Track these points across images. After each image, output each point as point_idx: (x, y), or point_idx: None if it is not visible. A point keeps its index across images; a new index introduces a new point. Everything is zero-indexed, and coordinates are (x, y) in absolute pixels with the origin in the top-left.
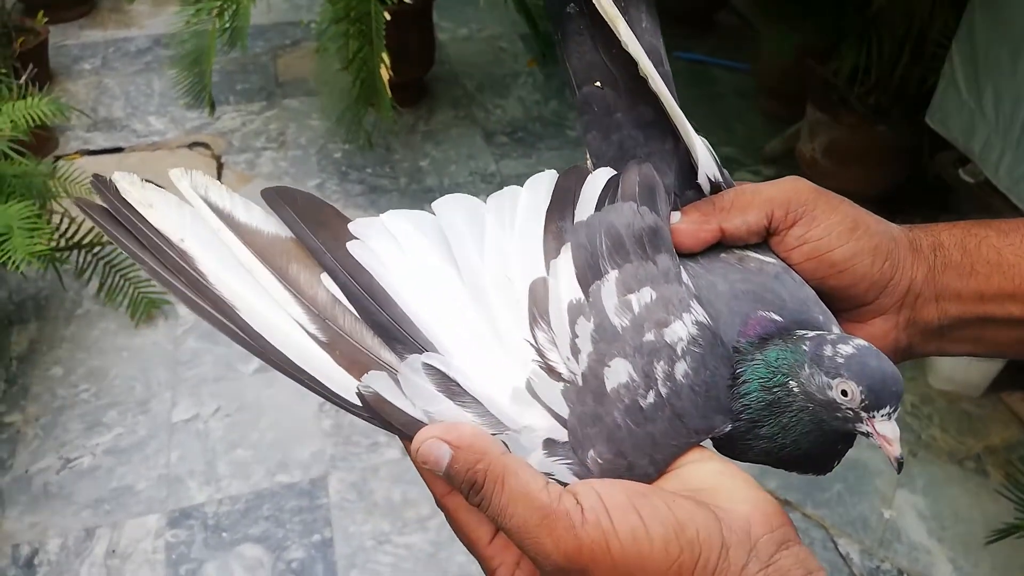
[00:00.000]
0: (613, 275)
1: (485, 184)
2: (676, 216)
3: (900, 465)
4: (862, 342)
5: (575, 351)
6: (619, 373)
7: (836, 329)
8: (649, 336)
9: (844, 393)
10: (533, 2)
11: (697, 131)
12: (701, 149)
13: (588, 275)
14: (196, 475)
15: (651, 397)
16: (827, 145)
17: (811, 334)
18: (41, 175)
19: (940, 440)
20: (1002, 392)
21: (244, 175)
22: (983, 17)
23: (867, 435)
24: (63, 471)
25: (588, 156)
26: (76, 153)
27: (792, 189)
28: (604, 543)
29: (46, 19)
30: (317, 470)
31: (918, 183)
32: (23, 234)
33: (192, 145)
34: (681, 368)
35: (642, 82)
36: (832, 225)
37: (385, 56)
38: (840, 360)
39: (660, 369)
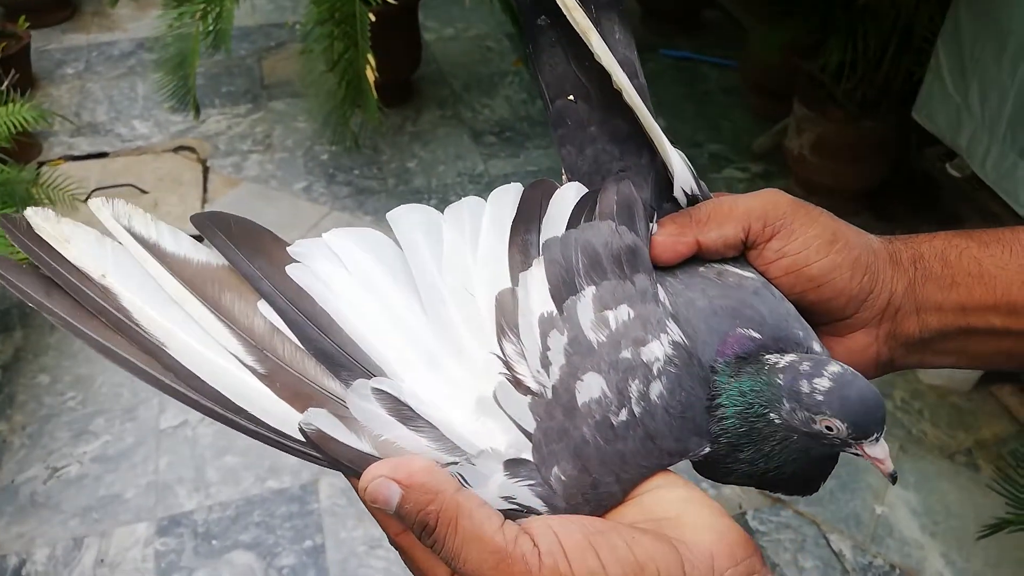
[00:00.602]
0: (590, 291)
1: (473, 184)
2: (652, 227)
3: (894, 479)
4: (836, 369)
5: (545, 364)
6: (592, 388)
7: (816, 345)
8: (625, 353)
9: (829, 428)
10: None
11: (673, 143)
12: (677, 162)
13: (563, 290)
14: (185, 482)
15: (623, 415)
16: (814, 141)
17: (783, 362)
18: (24, 182)
19: (931, 435)
20: (992, 386)
21: (230, 179)
22: (968, 12)
23: (857, 455)
24: (50, 480)
25: (563, 170)
26: (60, 159)
27: (770, 202)
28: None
29: (28, 23)
30: (307, 475)
31: (905, 178)
32: (5, 242)
33: (177, 149)
34: (656, 388)
35: (616, 95)
36: (810, 239)
37: (371, 57)
38: (819, 397)
39: (635, 387)
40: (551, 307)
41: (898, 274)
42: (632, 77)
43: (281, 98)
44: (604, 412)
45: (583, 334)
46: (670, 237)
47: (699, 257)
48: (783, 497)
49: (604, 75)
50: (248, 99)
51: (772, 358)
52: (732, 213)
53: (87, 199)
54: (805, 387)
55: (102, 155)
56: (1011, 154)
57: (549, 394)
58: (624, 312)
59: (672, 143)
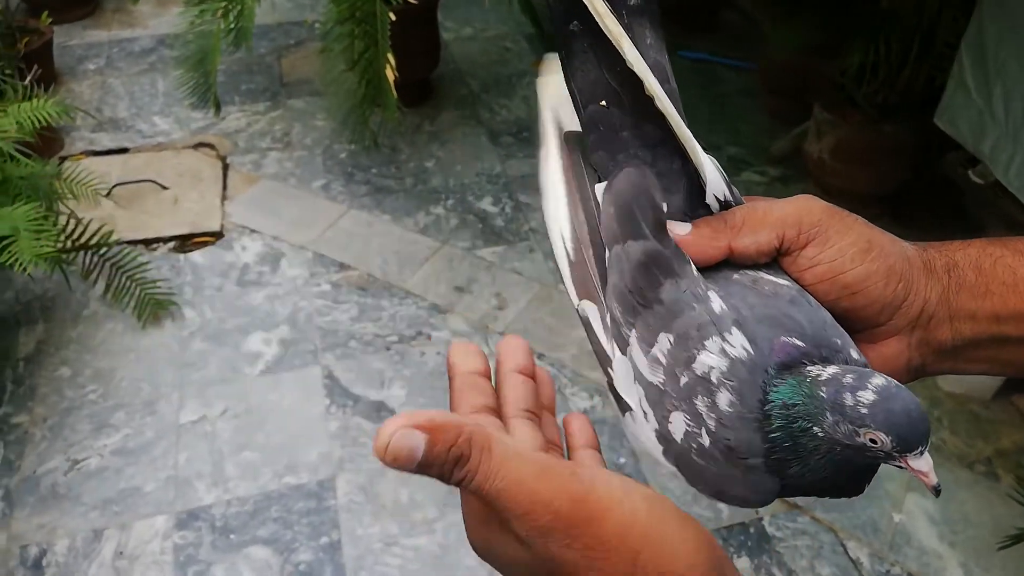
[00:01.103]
0: (633, 337)
1: (491, 185)
2: (687, 227)
3: (938, 491)
4: (881, 381)
5: (648, 418)
6: (678, 425)
7: (854, 353)
8: (684, 378)
9: (873, 441)
10: (537, 2)
11: (706, 149)
12: (709, 167)
13: (622, 345)
14: (204, 477)
15: (705, 437)
16: (834, 145)
17: (825, 375)
18: (47, 176)
19: (950, 443)
20: (1012, 395)
21: (250, 175)
22: (992, 16)
23: (900, 467)
24: (71, 472)
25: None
26: (81, 154)
27: (805, 208)
28: (617, 503)
29: (50, 19)
30: (325, 472)
31: (926, 184)
32: (29, 236)
33: (197, 146)
34: (724, 398)
35: (648, 101)
36: (846, 247)
37: (390, 56)
38: (863, 410)
39: (702, 404)
40: (628, 367)
41: (932, 282)
42: (663, 82)
43: (300, 96)
44: (696, 439)
45: (648, 382)
46: (703, 239)
47: (731, 265)
48: (801, 504)
49: (637, 81)
50: (267, 97)
51: (814, 370)
52: (767, 219)
53: (108, 194)
54: (849, 400)
55: (123, 151)
56: None
57: (664, 446)
58: (664, 342)
59: (704, 150)
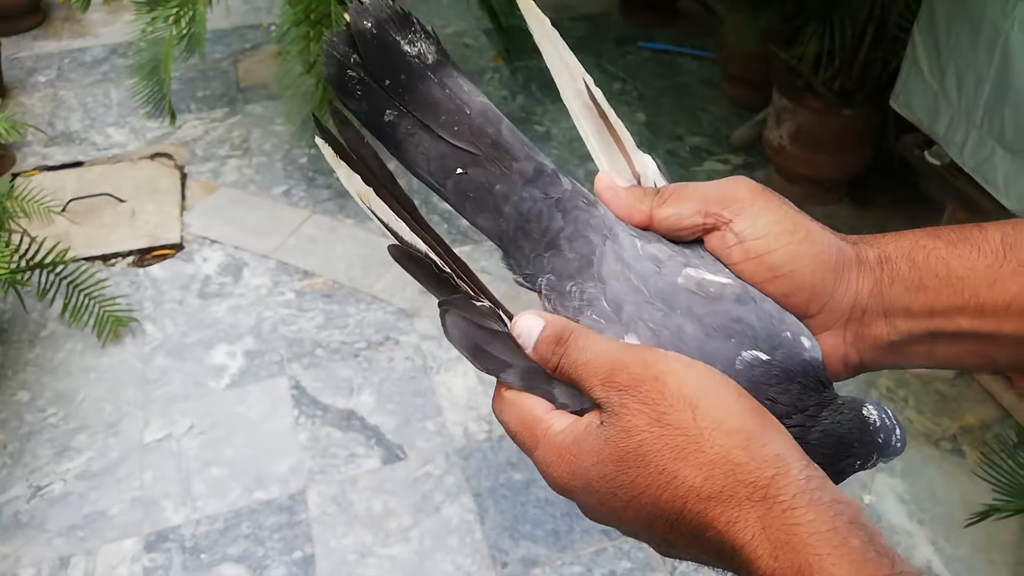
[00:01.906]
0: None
1: None
2: (621, 182)
3: None
4: (897, 422)
5: None
6: None
7: (805, 341)
8: None
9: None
10: None
11: (654, 138)
12: (645, 160)
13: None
14: (171, 496)
15: None
16: (794, 131)
17: (877, 422)
18: None
19: (916, 422)
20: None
21: (209, 184)
22: None
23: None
24: (33, 499)
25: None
26: (34, 170)
27: (731, 186)
28: (680, 367)
29: None
30: (295, 484)
31: (885, 166)
32: None
33: (154, 156)
34: None
35: (508, 138)
36: (770, 224)
37: None
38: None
39: None
40: None
41: (863, 274)
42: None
43: (258, 101)
44: None
45: None
46: (629, 198)
47: (675, 270)
48: None
49: (485, 129)
50: (224, 103)
51: (869, 415)
52: (693, 194)
53: (63, 210)
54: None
55: (77, 164)
56: (989, 140)
57: None
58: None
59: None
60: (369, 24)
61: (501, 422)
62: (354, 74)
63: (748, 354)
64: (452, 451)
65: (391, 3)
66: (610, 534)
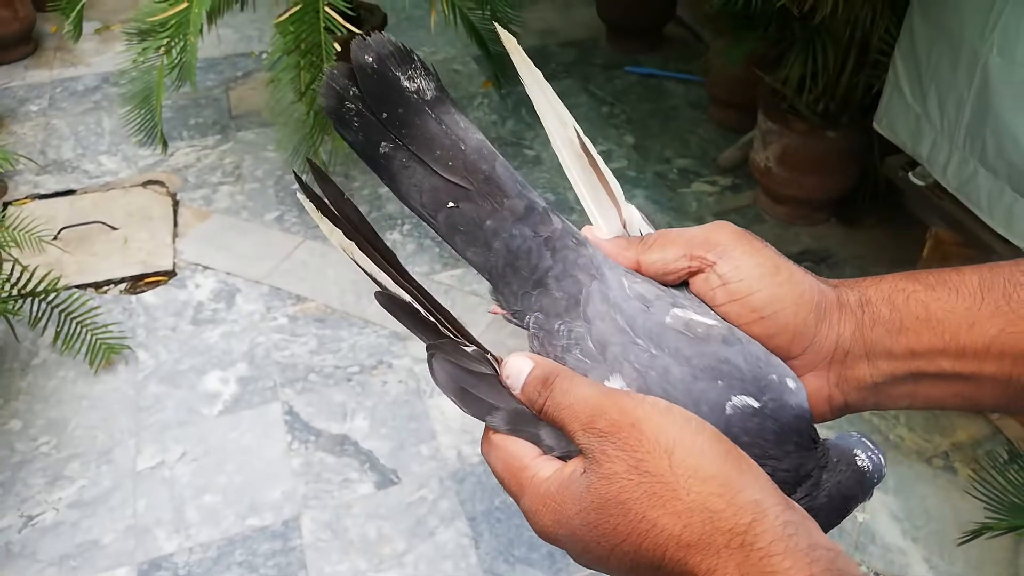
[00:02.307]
0: None
1: None
2: (607, 236)
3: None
4: (882, 462)
5: None
6: None
7: (791, 383)
8: None
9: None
10: (483, 25)
11: (642, 161)
12: (630, 210)
13: None
14: (164, 524)
15: None
16: (780, 153)
17: (867, 464)
18: None
19: (908, 439)
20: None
21: (201, 211)
22: (922, 22)
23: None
24: (25, 529)
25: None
26: (26, 198)
27: (714, 230)
28: (657, 413)
29: None
30: (289, 511)
31: (870, 187)
32: None
33: (146, 183)
34: None
35: (501, 175)
36: (752, 266)
37: None
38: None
39: None
40: None
41: (845, 316)
42: (493, 159)
43: (250, 128)
44: None
45: None
46: (616, 247)
47: (664, 310)
48: None
49: (479, 165)
50: (216, 130)
51: (863, 465)
52: (678, 239)
53: (55, 238)
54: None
55: (69, 192)
56: (971, 160)
57: None
58: None
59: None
60: (370, 59)
61: (489, 464)
62: (352, 106)
63: (739, 400)
64: (446, 475)
65: (393, 40)
66: None
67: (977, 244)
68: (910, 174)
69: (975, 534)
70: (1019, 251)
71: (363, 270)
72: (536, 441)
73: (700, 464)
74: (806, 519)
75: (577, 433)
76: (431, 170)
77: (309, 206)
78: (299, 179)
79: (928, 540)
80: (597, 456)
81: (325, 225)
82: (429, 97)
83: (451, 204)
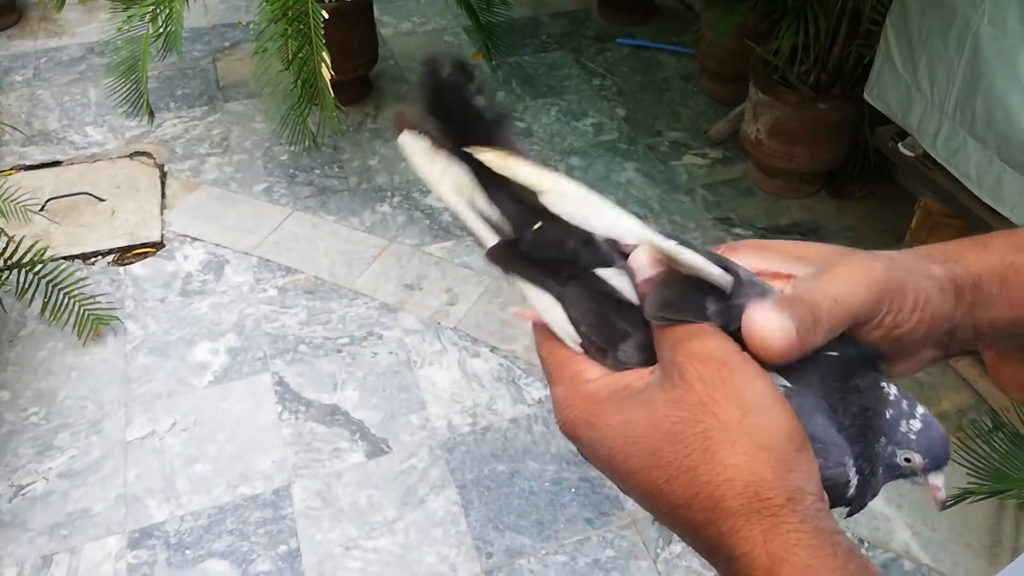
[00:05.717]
0: None
1: None
2: (777, 321)
3: (944, 506)
4: (923, 410)
5: None
6: None
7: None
8: None
9: (908, 460)
10: None
11: (633, 133)
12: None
13: None
14: (155, 493)
15: None
16: (770, 125)
17: (892, 394)
18: None
19: None
20: (950, 358)
21: (189, 183)
22: None
23: (918, 483)
24: (15, 498)
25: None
26: (12, 169)
27: (866, 292)
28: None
29: None
30: (280, 479)
31: (860, 158)
32: None
33: (133, 155)
34: None
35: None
36: (905, 315)
37: (326, 55)
38: (912, 436)
39: None
40: None
41: (960, 306)
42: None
43: (237, 99)
44: None
45: None
46: (790, 337)
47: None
48: None
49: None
50: (204, 101)
51: (885, 387)
52: (839, 312)
53: (41, 209)
54: (904, 427)
55: (56, 163)
56: (960, 131)
57: None
58: None
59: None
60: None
61: (536, 342)
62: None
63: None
64: (436, 444)
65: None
66: (594, 523)
67: (966, 215)
68: (899, 145)
69: (957, 499)
70: (1006, 221)
71: (484, 220)
72: (623, 337)
73: (767, 433)
74: (832, 515)
75: (665, 344)
76: (519, 195)
77: (422, 144)
78: (401, 116)
79: (912, 507)
80: (673, 376)
81: (437, 168)
82: (489, 116)
83: (537, 225)
